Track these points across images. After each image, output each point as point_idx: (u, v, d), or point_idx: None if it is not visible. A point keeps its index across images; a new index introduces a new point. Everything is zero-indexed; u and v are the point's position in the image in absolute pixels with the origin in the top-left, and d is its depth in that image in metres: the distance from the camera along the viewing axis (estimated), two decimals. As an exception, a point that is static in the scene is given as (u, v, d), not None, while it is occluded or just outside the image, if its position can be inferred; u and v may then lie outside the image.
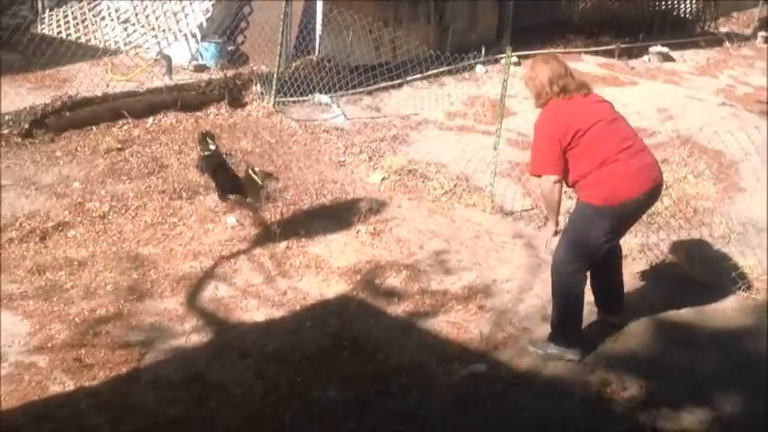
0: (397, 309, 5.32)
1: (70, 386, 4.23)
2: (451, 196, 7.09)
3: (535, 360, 4.77)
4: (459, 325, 5.15)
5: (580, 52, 12.24)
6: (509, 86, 7.02)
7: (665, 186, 7.28)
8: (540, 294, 5.42)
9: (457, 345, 4.93)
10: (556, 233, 4.82)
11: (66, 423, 3.95)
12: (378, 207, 6.77)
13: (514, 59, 9.06)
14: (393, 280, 5.67)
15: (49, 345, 4.53)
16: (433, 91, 10.06)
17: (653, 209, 6.71)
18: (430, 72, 10.22)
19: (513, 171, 7.61)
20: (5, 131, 7.07)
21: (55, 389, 4.19)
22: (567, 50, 12.07)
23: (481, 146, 8.04)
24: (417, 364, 4.70)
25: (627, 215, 4.66)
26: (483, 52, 11.23)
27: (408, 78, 10.04)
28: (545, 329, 4.90)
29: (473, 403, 4.38)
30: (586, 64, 11.82)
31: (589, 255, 4.65)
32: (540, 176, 4.65)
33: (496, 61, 11.08)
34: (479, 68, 10.94)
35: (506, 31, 12.06)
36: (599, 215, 4.57)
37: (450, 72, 10.50)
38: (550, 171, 4.57)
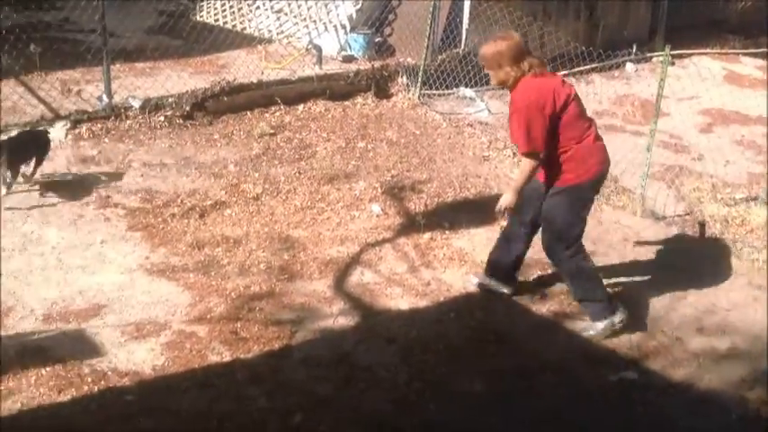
0: (542, 307, 5.25)
1: (227, 357, 4.42)
2: (599, 198, 6.90)
3: (690, 371, 4.60)
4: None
5: (738, 53, 11.67)
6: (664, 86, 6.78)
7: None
8: (695, 303, 5.23)
9: (605, 349, 4.81)
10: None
11: (225, 392, 4.13)
12: (522, 203, 6.70)
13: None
14: (538, 278, 5.60)
15: (208, 317, 4.75)
16: (580, 88, 9.76)
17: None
18: (578, 69, 10.00)
19: (667, 174, 7.35)
20: (169, 113, 7.46)
21: (213, 358, 4.38)
22: (723, 51, 11.53)
23: (630, 146, 7.79)
24: (564, 364, 4.63)
25: (598, 187, 4.96)
26: (634, 50, 10.90)
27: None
28: (700, 340, 4.73)
29: (624, 409, 4.27)
30: (745, 66, 11.27)
31: (580, 234, 4.83)
32: (530, 154, 4.62)
33: (648, 59, 10.73)
34: (629, 66, 10.63)
35: (660, 29, 11.65)
36: (581, 191, 4.74)
37: (598, 69, 10.25)
38: (540, 147, 4.59)
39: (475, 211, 6.53)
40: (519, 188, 4.75)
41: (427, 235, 6.01)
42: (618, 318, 4.85)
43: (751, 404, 4.37)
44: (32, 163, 5.95)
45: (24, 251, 5.17)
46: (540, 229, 4.97)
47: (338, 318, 4.95)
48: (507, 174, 7.32)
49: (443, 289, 5.39)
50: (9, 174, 5.69)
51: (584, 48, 9.52)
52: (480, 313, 5.12)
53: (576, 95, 4.74)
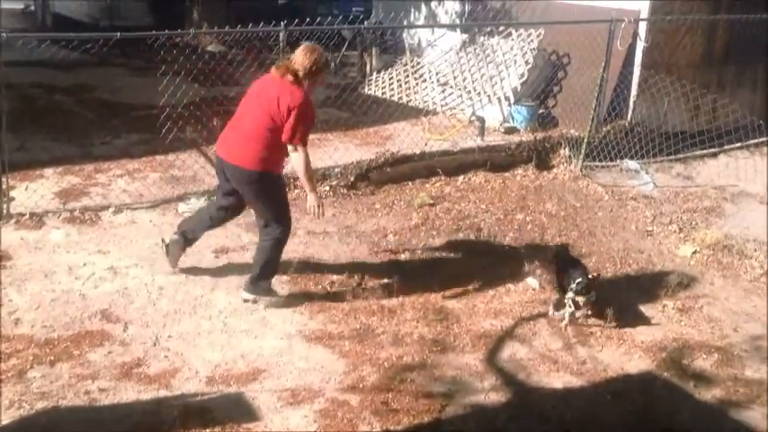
0: (707, 394, 4.97)
1: (377, 427, 4.48)
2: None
3: None
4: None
5: None
6: None
7: None
8: None
9: (775, 443, 4.50)
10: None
11: (375, 463, 4.19)
12: (687, 282, 6.44)
13: None
14: (702, 362, 5.33)
15: (361, 386, 4.85)
16: (753, 161, 9.38)
17: None
18: (751, 141, 9.55)
19: None
20: (334, 183, 7.79)
21: (364, 428, 4.46)
22: None
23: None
24: None
25: None
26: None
27: (726, 147, 9.48)
28: None
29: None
30: None
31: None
32: (302, 147, 5.25)
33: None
34: (810, 139, 10.00)
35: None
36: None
37: (774, 142, 9.74)
38: (307, 143, 5.31)
39: (636, 287, 6.33)
40: (313, 182, 5.46)
41: (584, 311, 5.86)
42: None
43: None
44: None
45: (194, 314, 5.52)
46: None
47: (490, 393, 4.91)
48: (672, 250, 7.06)
49: (600, 369, 5.23)
50: None
51: (759, 119, 9.12)
52: (639, 397, 4.92)
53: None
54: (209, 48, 12.90)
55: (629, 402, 4.86)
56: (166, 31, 7.76)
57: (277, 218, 5.51)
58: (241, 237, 6.58)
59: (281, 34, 7.42)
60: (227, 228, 6.28)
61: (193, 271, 5.98)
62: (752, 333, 5.70)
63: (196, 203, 6.97)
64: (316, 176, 5.54)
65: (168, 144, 7.80)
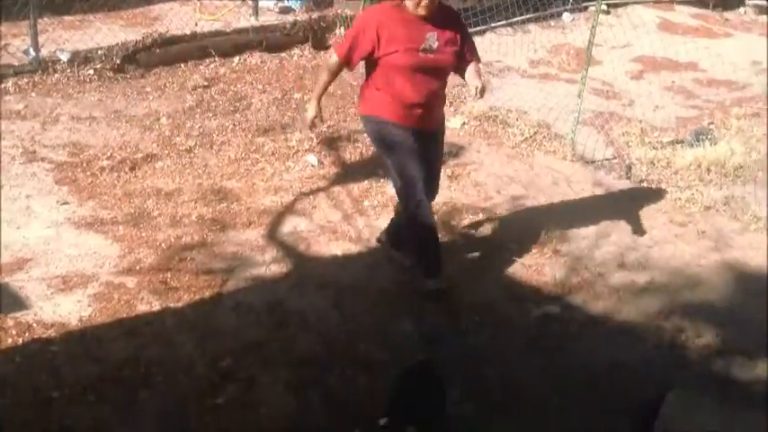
0: (473, 250, 5.35)
1: (156, 306, 4.42)
2: (531, 143, 7.03)
3: (610, 305, 4.76)
4: (534, 268, 5.15)
5: (672, 1, 11.82)
6: (596, 34, 6.86)
7: (755, 139, 7.15)
8: (618, 242, 5.38)
9: (531, 287, 4.94)
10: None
11: (153, 339, 4.14)
12: (456, 151, 6.77)
13: (604, 7, 8.84)
14: (469, 222, 5.69)
15: (137, 268, 4.73)
16: (517, 38, 9.90)
17: (742, 161, 6.60)
18: (515, 19, 10.06)
19: (597, 120, 7.48)
20: (98, 66, 7.32)
21: (142, 308, 4.38)
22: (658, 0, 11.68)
23: (564, 94, 7.93)
24: (491, 303, 4.75)
25: None
26: (571, 0, 10.98)
27: (492, 25, 9.90)
28: (621, 275, 4.88)
29: (545, 343, 4.41)
30: (679, 14, 11.43)
31: None
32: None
33: (584, 9, 10.81)
34: (566, 16, 10.71)
35: (596, -21, 11.72)
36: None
37: (535, 19, 10.31)
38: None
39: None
40: (318, 92, 4.72)
41: (362, 183, 6.05)
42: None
43: (667, 332, 4.55)
44: None
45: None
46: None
47: (270, 266, 4.97)
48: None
49: (376, 235, 5.44)
50: None
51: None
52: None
53: None
54: None
55: (401, 263, 5.10)
56: None
57: None
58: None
59: None
60: None
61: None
62: (513, 194, 6.14)
63: None
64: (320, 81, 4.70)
65: None
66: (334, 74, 4.67)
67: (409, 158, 4.55)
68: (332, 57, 4.62)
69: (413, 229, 4.72)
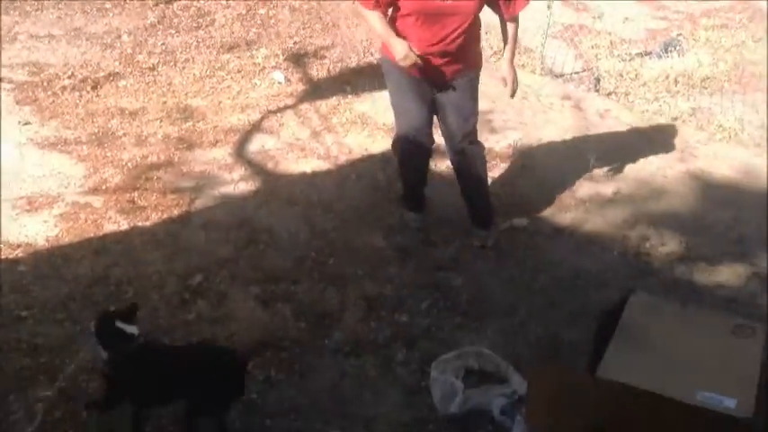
0: (441, 165, 5.34)
1: (124, 226, 4.41)
2: (500, 57, 6.94)
3: (576, 216, 4.82)
4: (503, 182, 5.18)
5: None
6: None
7: (723, 50, 7.13)
8: (585, 154, 5.40)
9: (499, 200, 4.97)
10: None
11: (121, 257, 4.15)
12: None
13: None
14: (438, 137, 5.67)
15: (104, 187, 4.70)
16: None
17: (709, 72, 6.60)
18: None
19: (566, 33, 7.41)
20: (55, -18, 7.08)
21: (110, 227, 4.37)
22: None
23: (533, 7, 7.77)
24: (460, 217, 4.78)
25: None
26: None
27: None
28: (588, 186, 4.92)
29: (512, 253, 4.48)
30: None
31: None
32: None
33: None
34: (536, -73, 10.47)
35: None
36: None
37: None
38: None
39: (378, 75, 6.43)
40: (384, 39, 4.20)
41: (330, 100, 5.98)
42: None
43: (631, 241, 4.63)
44: None
45: None
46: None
47: (239, 184, 4.96)
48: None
49: (345, 152, 5.43)
50: None
51: None
52: (381, 174, 5.18)
53: None
54: None
55: (372, 179, 5.11)
56: None
57: None
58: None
59: None
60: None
61: None
62: (480, 108, 6.01)
63: None
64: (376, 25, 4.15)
65: None
66: (378, 10, 4.12)
67: (410, 100, 4.32)
68: (363, 10, 4.19)
69: (400, 164, 4.68)
